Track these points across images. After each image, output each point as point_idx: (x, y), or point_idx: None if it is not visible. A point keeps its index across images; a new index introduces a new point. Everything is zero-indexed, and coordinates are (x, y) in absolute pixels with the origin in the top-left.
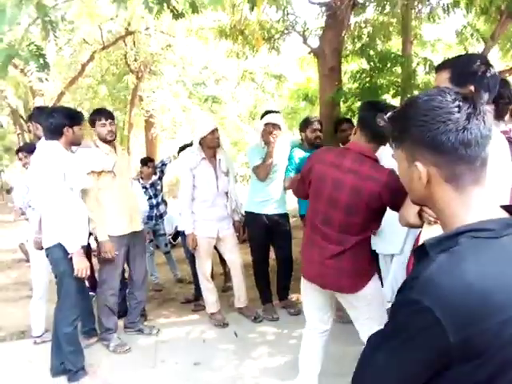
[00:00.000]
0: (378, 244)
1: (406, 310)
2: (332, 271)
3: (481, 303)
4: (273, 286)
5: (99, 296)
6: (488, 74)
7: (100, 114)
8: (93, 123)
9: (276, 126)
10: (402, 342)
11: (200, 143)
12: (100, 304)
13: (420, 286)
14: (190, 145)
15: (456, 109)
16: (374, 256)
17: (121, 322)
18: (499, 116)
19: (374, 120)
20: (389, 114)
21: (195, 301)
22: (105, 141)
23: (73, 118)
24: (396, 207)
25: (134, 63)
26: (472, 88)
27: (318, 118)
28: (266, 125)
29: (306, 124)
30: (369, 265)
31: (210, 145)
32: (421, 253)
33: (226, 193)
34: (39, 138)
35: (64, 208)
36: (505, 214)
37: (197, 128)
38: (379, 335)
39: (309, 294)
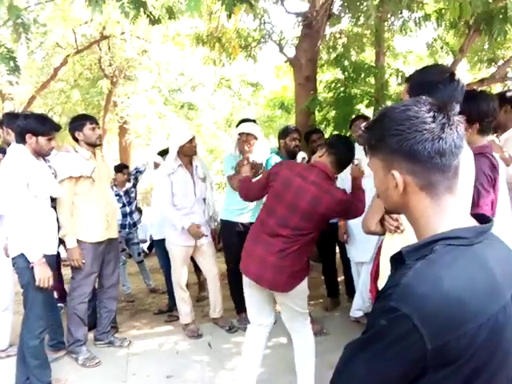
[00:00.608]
0: (351, 251)
1: (385, 318)
2: (271, 268)
3: (456, 310)
4: None
5: (69, 304)
6: (445, 84)
7: (88, 118)
8: (78, 128)
9: (250, 136)
10: (380, 349)
11: (177, 151)
12: (69, 313)
13: (398, 293)
14: (166, 151)
15: (431, 119)
16: (348, 263)
17: (91, 335)
18: (483, 132)
19: (342, 152)
20: (364, 124)
21: (169, 311)
22: (93, 145)
23: (38, 126)
24: (346, 217)
25: (109, 68)
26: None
27: (297, 128)
28: (241, 134)
29: (285, 133)
30: (306, 266)
31: (188, 153)
32: (397, 260)
33: (204, 199)
34: (8, 145)
35: (26, 216)
36: (474, 222)
37: (174, 136)
38: (357, 343)
39: (249, 290)
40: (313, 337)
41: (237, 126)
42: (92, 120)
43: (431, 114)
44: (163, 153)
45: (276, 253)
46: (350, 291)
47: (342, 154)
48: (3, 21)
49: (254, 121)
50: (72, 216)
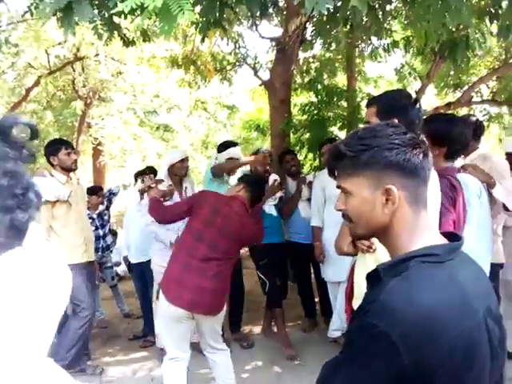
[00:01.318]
0: (326, 272)
1: (363, 335)
2: (208, 293)
3: (430, 325)
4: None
5: (71, 326)
6: (411, 108)
7: (64, 143)
8: (53, 152)
9: (237, 160)
10: (360, 366)
11: (168, 170)
12: (67, 334)
13: (375, 310)
14: (144, 171)
15: (409, 136)
16: (323, 284)
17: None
18: (449, 157)
19: (257, 192)
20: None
21: (144, 337)
22: (69, 170)
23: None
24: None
25: (83, 89)
26: (396, 120)
27: (268, 150)
28: (229, 159)
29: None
30: (229, 286)
31: (178, 173)
32: (374, 278)
33: None
34: None
35: None
36: (444, 240)
37: (166, 155)
38: (336, 361)
39: (171, 323)
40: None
41: (219, 148)
42: (67, 145)
43: (407, 133)
44: (139, 174)
45: (211, 277)
46: (326, 311)
47: (256, 194)
48: None
49: (237, 143)
50: (50, 240)
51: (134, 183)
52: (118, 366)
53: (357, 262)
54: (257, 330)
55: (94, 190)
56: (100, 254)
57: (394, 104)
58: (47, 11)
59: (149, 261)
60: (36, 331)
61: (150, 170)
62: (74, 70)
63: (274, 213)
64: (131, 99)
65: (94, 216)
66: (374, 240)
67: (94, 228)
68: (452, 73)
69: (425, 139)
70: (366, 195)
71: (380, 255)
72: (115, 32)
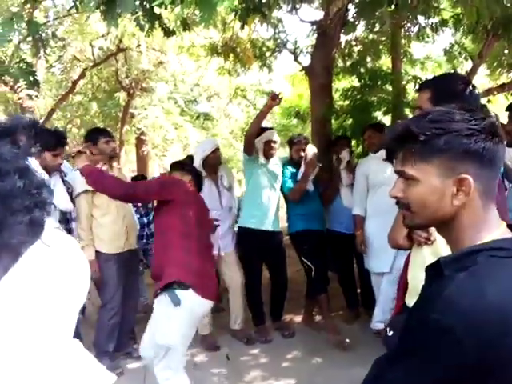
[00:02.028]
0: (370, 262)
1: (425, 330)
2: (214, 278)
3: (500, 322)
4: (265, 307)
5: (101, 317)
6: (468, 94)
7: (102, 132)
8: (93, 142)
9: (275, 142)
10: (420, 361)
11: (202, 162)
12: (101, 326)
13: (440, 305)
14: (182, 161)
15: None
16: (364, 274)
17: None
18: None
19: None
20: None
21: None
22: (109, 158)
23: (43, 141)
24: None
25: (126, 80)
26: None
27: (304, 137)
28: (267, 142)
29: (290, 144)
30: None
31: (212, 163)
32: (434, 271)
33: (230, 208)
34: None
35: None
36: (510, 233)
37: (198, 147)
38: (391, 356)
39: (196, 323)
40: None
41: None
42: (106, 133)
43: (485, 118)
44: (175, 164)
45: (212, 262)
46: (368, 303)
47: (200, 189)
48: (23, 36)
49: (272, 128)
50: (92, 229)
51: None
52: None
53: (412, 254)
54: (298, 319)
55: (137, 179)
56: (145, 241)
57: (451, 89)
58: (91, 5)
59: None
60: (60, 316)
61: (191, 160)
62: (117, 62)
63: (311, 187)
64: (172, 88)
65: (139, 204)
66: (433, 231)
67: (138, 216)
68: (506, 52)
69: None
70: (436, 184)
71: (439, 247)
72: (156, 22)
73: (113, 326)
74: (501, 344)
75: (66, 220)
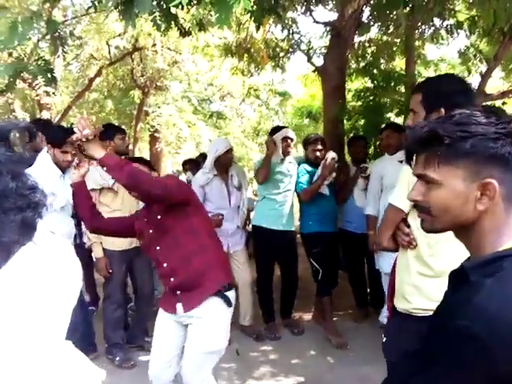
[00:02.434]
0: (380, 262)
1: (453, 337)
2: None
3: None
4: (276, 304)
5: (104, 311)
6: (461, 95)
7: (117, 128)
8: (109, 137)
9: (291, 140)
10: (446, 370)
11: (214, 161)
12: (106, 319)
13: (469, 312)
14: (194, 160)
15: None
16: (375, 274)
17: None
18: None
19: None
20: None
21: None
22: (122, 154)
23: (53, 138)
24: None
25: (141, 79)
26: (442, 110)
27: (320, 137)
28: (284, 139)
29: (306, 143)
30: None
31: (224, 163)
32: (458, 277)
33: (238, 207)
34: (35, 151)
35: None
36: None
37: (212, 146)
38: (414, 363)
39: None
40: None
41: (271, 132)
42: (121, 130)
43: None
44: (187, 162)
45: None
46: (377, 302)
47: None
48: (42, 34)
49: (287, 127)
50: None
51: (183, 171)
52: None
53: (398, 257)
54: (307, 317)
55: None
56: None
57: (441, 91)
58: (110, 4)
59: None
60: (50, 316)
61: (203, 158)
62: (132, 61)
63: (327, 192)
64: (186, 87)
65: None
66: (417, 236)
67: None
68: None
69: None
70: (460, 188)
71: (421, 251)
72: (172, 22)
73: (117, 319)
74: None
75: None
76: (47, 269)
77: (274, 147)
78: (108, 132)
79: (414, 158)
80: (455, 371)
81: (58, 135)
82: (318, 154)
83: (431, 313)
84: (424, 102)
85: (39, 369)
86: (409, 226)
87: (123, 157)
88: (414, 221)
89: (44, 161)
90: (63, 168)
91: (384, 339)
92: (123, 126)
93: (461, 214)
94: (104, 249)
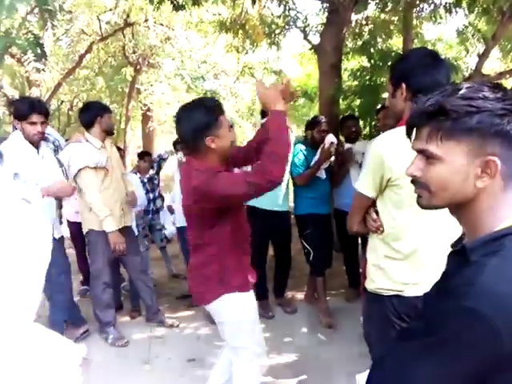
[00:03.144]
0: None
1: (458, 319)
2: None
3: None
4: (269, 283)
5: (94, 291)
6: (425, 69)
7: (106, 107)
8: (99, 115)
9: None
10: (451, 353)
11: None
12: (95, 300)
13: (474, 293)
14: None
15: None
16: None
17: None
18: None
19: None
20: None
21: (191, 296)
22: (109, 133)
23: (18, 111)
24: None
25: (133, 55)
26: (403, 86)
27: (326, 119)
28: None
29: (313, 124)
30: None
31: None
32: (459, 256)
33: None
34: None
35: None
36: None
37: None
38: (417, 345)
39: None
40: None
41: (262, 114)
42: (108, 109)
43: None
44: (179, 141)
45: None
46: None
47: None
48: (30, 7)
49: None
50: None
51: (175, 151)
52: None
53: (369, 240)
54: (300, 296)
55: (142, 155)
56: (150, 216)
57: (404, 68)
58: None
59: None
60: (19, 293)
61: None
62: (124, 36)
63: (323, 175)
64: (179, 65)
65: (145, 180)
66: (385, 220)
67: (144, 191)
68: None
69: None
70: (461, 164)
71: (388, 236)
72: None
73: (107, 299)
74: None
75: None
76: (11, 237)
77: None
78: (95, 111)
79: (415, 131)
80: (462, 354)
81: (21, 107)
82: (323, 135)
83: (393, 293)
84: (391, 79)
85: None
86: (377, 212)
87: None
88: (383, 206)
89: (16, 138)
90: (35, 142)
91: (361, 319)
92: (115, 104)
93: (460, 190)
94: (91, 229)
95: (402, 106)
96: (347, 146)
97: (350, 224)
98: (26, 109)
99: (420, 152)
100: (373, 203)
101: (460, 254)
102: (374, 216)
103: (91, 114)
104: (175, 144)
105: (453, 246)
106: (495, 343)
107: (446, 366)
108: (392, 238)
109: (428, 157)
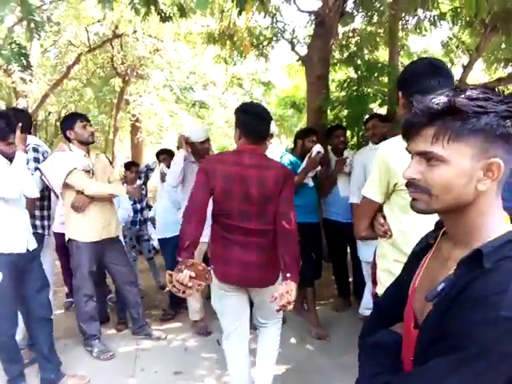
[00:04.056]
0: (361, 251)
1: (495, 330)
2: (256, 265)
3: None
4: None
5: (77, 304)
6: (422, 78)
7: (78, 116)
8: (69, 126)
9: (272, 136)
10: (488, 364)
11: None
12: (79, 312)
13: (508, 301)
14: (169, 150)
15: None
16: (358, 264)
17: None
18: None
19: (258, 124)
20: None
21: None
22: (85, 143)
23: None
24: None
25: (121, 66)
26: (399, 93)
27: (316, 130)
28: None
29: (306, 134)
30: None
31: (200, 153)
32: (472, 262)
33: None
34: None
35: None
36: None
37: (190, 131)
38: (451, 359)
39: (227, 299)
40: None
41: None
42: (82, 117)
43: None
44: (162, 153)
45: (257, 249)
46: (359, 292)
47: (258, 127)
48: (17, 18)
49: (272, 119)
50: (67, 216)
51: (158, 162)
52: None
53: (378, 245)
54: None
55: (128, 166)
56: (138, 227)
57: (402, 75)
58: None
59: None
60: None
61: (168, 153)
62: (112, 48)
63: (311, 183)
64: (168, 76)
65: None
66: (392, 225)
67: (132, 202)
68: (503, 46)
69: None
70: (466, 166)
71: (397, 240)
72: (152, 7)
73: (91, 311)
74: None
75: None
76: None
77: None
78: (66, 122)
79: (413, 133)
80: (501, 365)
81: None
82: (313, 145)
83: None
84: (399, 88)
85: None
86: (384, 217)
87: (88, 146)
88: (390, 210)
89: None
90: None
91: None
92: (103, 115)
93: (462, 194)
94: (71, 239)
95: (402, 113)
96: (346, 154)
97: (356, 230)
98: (6, 129)
99: (423, 154)
100: (379, 208)
101: (474, 260)
102: (382, 220)
103: (64, 128)
104: (158, 155)
105: (422, 246)
106: None
107: (483, 378)
108: (402, 242)
109: (430, 159)
